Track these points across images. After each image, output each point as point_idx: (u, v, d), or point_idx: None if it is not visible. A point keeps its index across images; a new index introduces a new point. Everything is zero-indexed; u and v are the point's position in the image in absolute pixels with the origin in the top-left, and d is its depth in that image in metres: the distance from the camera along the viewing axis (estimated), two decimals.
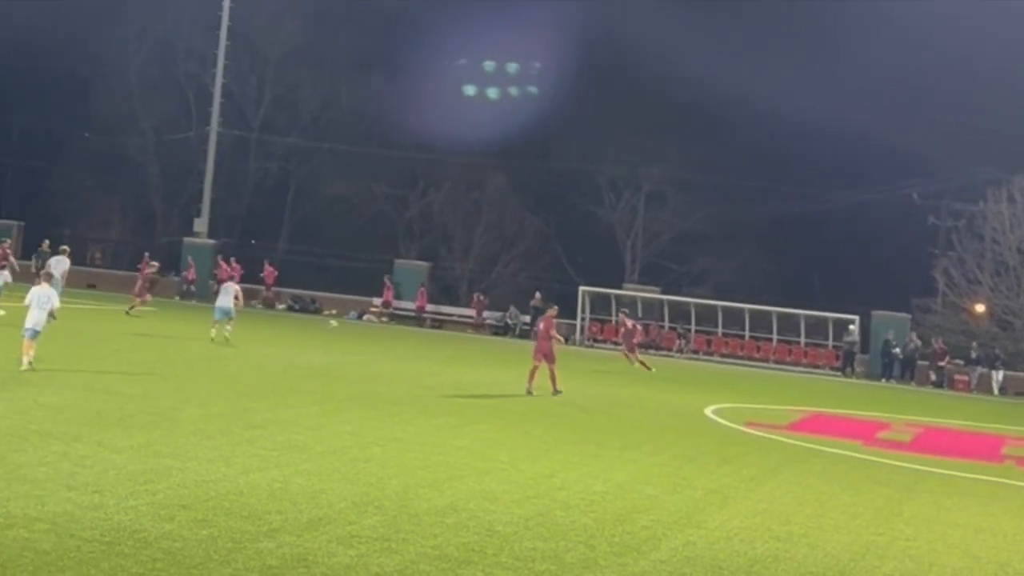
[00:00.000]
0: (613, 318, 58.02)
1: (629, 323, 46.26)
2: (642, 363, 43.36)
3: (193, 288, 62.90)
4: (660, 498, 16.38)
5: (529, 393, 29.17)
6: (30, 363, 23.52)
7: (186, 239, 67.48)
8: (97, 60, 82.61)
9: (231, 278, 41.53)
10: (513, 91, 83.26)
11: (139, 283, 46.72)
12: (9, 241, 47.13)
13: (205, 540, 11.49)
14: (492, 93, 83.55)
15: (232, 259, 59.63)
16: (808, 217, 73.44)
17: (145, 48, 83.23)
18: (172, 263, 66.32)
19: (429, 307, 62.99)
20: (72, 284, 54.99)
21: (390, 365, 34.91)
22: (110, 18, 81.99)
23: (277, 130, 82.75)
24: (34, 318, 24.02)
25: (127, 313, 43.95)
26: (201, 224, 68.30)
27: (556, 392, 29.40)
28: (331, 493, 14.31)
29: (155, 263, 50.34)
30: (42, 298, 24.47)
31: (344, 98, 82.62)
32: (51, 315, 25.28)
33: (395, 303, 62.48)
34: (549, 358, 29.94)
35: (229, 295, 37.31)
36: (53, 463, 14.34)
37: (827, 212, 73.64)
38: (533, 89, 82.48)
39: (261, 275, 63.98)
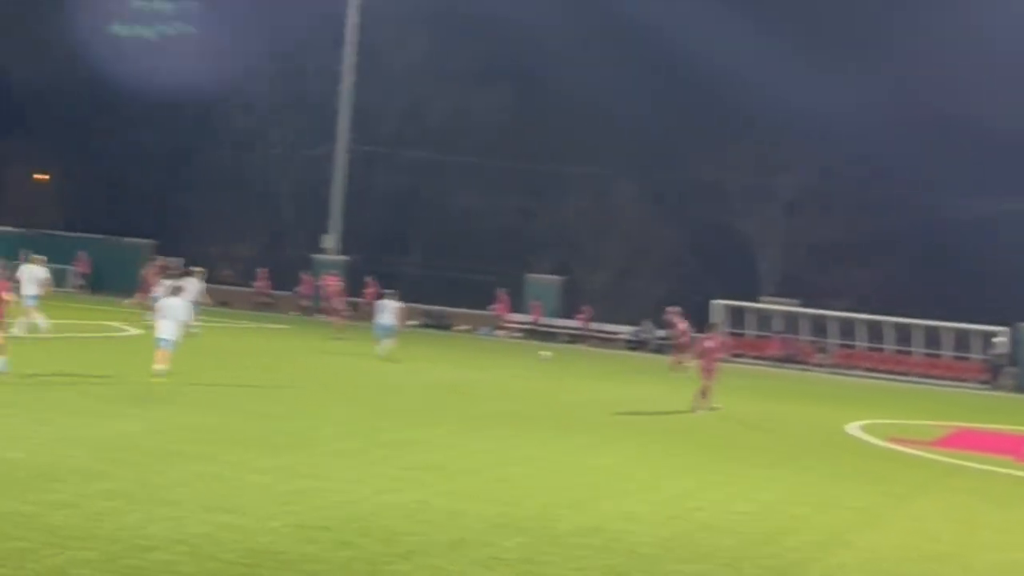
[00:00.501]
0: (749, 332, 57.42)
1: (681, 325, 45.83)
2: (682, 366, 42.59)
3: (317, 304, 63.61)
4: (807, 518, 16.15)
5: (712, 409, 29.08)
6: (163, 371, 24.55)
7: (314, 256, 68.17)
8: (225, 75, 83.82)
9: (380, 296, 41.79)
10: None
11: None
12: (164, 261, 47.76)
13: (345, 562, 11.57)
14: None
15: (332, 273, 61.03)
16: (952, 226, 72.00)
17: (273, 64, 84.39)
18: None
19: (565, 322, 62.92)
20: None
21: (524, 382, 34.89)
22: (238, 33, 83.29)
23: (406, 144, 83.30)
24: (166, 329, 25.28)
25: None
26: (330, 240, 68.94)
27: (698, 409, 29.20)
28: (469, 514, 14.29)
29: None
30: (172, 310, 25.75)
31: (471, 110, 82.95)
32: (185, 326, 26.31)
33: (532, 319, 62.46)
34: (709, 375, 29.86)
35: (388, 312, 38.34)
36: (194, 484, 14.56)
37: (972, 221, 72.12)
38: None
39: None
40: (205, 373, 27.66)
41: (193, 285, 43.01)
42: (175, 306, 26.08)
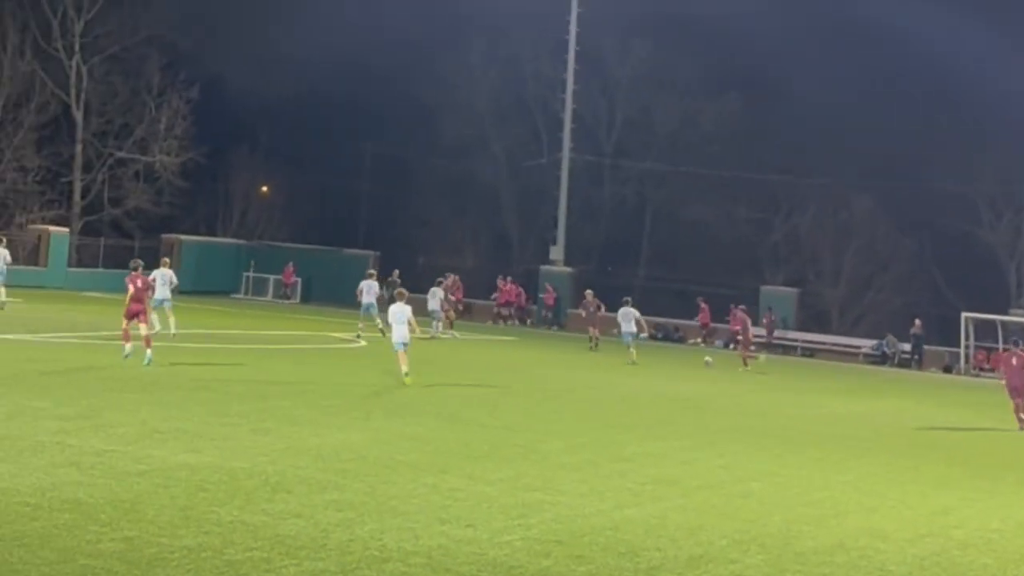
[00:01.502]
0: (1000, 346, 55.51)
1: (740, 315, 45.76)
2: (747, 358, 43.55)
3: (550, 315, 63.89)
4: None
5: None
6: (406, 373, 26.82)
7: (543, 267, 68.49)
8: (446, 85, 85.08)
9: (626, 302, 42.84)
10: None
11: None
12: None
13: None
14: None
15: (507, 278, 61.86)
16: None
17: (494, 72, 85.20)
18: (530, 290, 67.24)
19: (799, 335, 61.93)
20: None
21: (760, 396, 34.33)
22: (458, 43, 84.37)
23: (631, 154, 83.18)
24: (398, 333, 27.45)
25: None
26: (557, 251, 69.12)
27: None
28: (710, 529, 14.08)
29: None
30: (399, 315, 27.71)
31: (699, 119, 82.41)
32: (411, 329, 27.96)
33: (759, 331, 61.61)
34: (1018, 393, 29.57)
35: (629, 320, 41.11)
36: (424, 496, 14.57)
37: None
38: None
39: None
40: (430, 383, 27.88)
41: (436, 296, 44.26)
42: (399, 312, 27.63)
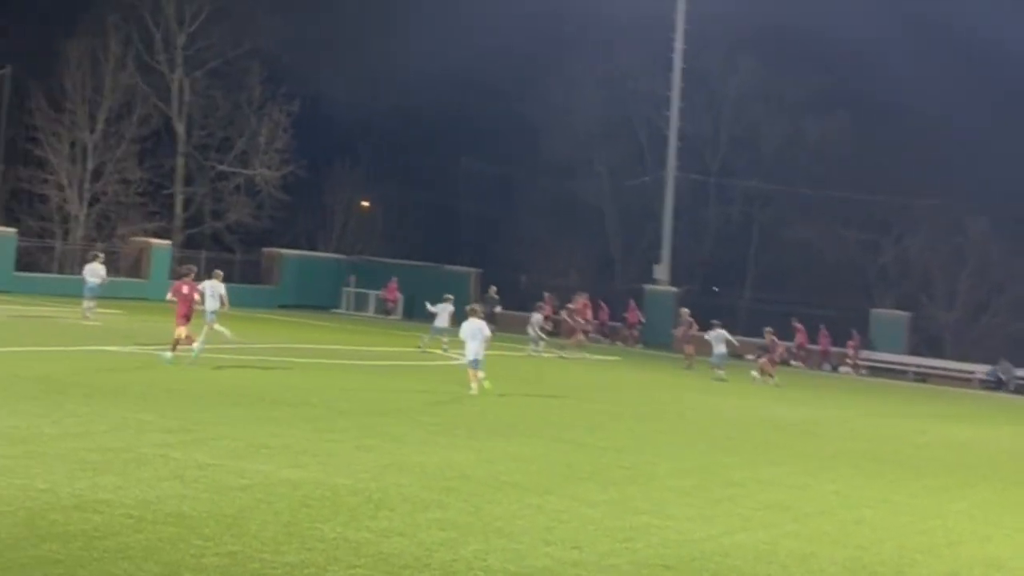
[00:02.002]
0: None
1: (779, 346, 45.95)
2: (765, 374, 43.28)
3: (635, 332, 63.96)
4: None
5: None
6: (477, 388, 28.05)
7: (646, 286, 68.25)
8: (549, 102, 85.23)
9: (716, 325, 43.67)
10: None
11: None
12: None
13: None
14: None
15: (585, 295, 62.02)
16: None
17: (598, 90, 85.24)
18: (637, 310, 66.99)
19: (911, 360, 61.18)
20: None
21: (871, 421, 33.94)
22: (562, 60, 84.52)
23: (737, 172, 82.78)
24: (472, 349, 28.43)
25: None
26: (661, 271, 68.89)
27: None
28: (821, 557, 13.95)
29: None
30: (474, 331, 28.56)
31: (807, 138, 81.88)
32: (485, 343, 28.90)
33: (870, 354, 60.95)
34: None
35: (720, 343, 42.33)
36: (529, 516, 14.53)
37: None
38: None
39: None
40: (536, 402, 27.84)
41: (537, 314, 44.39)
42: (474, 327, 28.56)
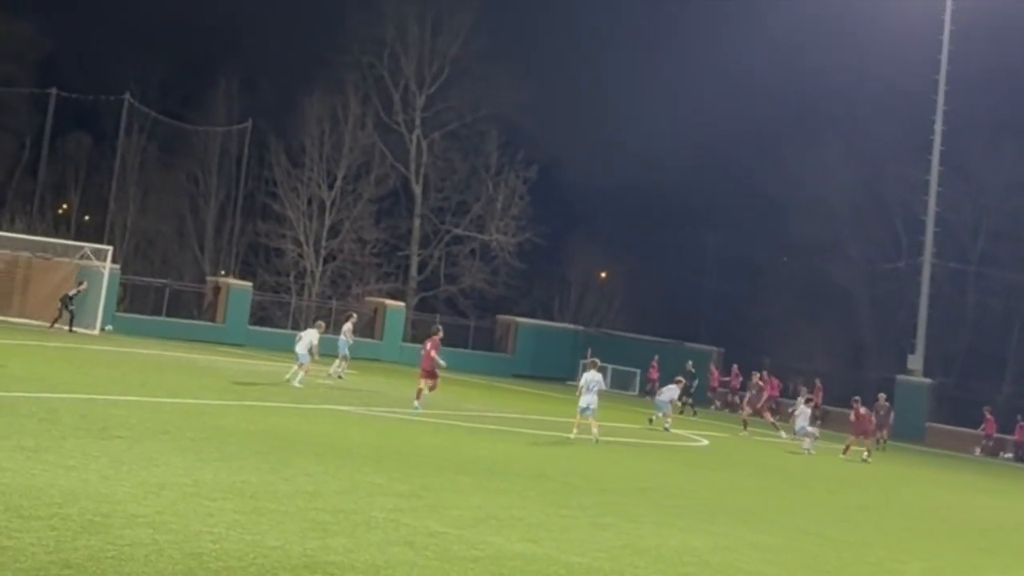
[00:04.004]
0: None
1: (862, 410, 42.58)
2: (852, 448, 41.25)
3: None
4: None
5: None
6: (576, 433, 32.00)
7: (898, 376, 66.82)
8: (797, 183, 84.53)
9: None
10: None
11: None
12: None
13: None
14: None
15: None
16: None
17: (849, 172, 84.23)
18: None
19: None
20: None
21: None
22: (811, 139, 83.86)
23: (999, 263, 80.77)
24: (585, 400, 31.99)
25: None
26: (915, 361, 67.47)
27: None
28: None
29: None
30: (591, 383, 32.28)
31: None
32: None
33: None
34: None
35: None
36: None
37: None
38: None
39: (981, 426, 61.72)
40: (779, 491, 27.45)
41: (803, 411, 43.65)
42: (592, 380, 32.41)
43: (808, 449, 40.77)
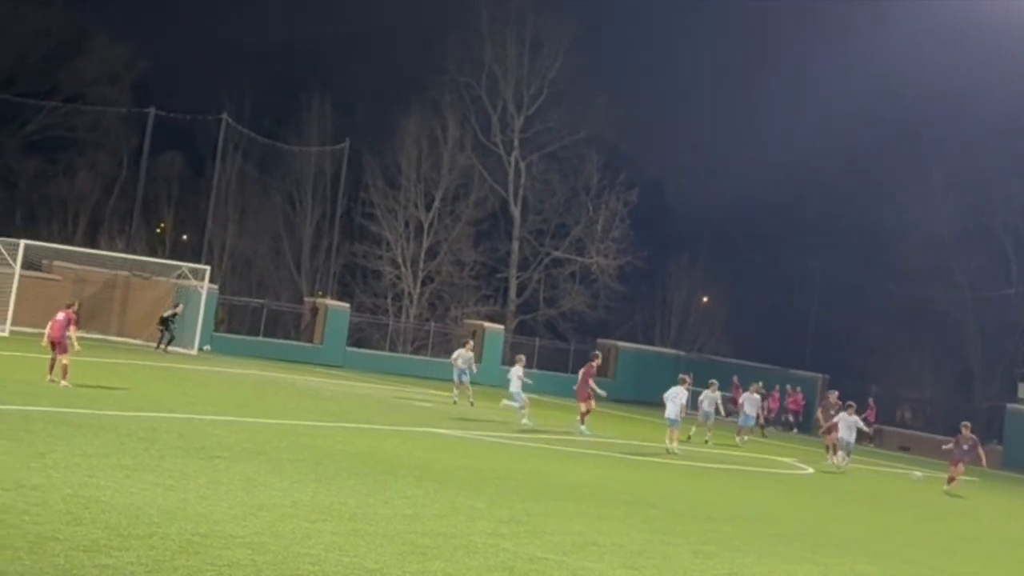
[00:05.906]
0: None
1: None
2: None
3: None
4: None
5: None
6: (670, 449, 35.21)
7: (1008, 405, 65.85)
8: (901, 208, 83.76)
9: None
10: None
11: None
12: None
13: None
14: None
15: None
16: None
17: (954, 196, 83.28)
18: (993, 431, 64.55)
19: None
20: (884, 446, 55.91)
21: None
22: (916, 164, 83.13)
23: None
24: (669, 410, 35.40)
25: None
26: None
27: None
28: None
29: None
30: (674, 396, 35.73)
31: None
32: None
33: None
34: None
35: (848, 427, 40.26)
36: None
37: None
38: None
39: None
40: (882, 519, 27.13)
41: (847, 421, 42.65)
42: (675, 393, 35.91)
43: (837, 463, 39.92)
